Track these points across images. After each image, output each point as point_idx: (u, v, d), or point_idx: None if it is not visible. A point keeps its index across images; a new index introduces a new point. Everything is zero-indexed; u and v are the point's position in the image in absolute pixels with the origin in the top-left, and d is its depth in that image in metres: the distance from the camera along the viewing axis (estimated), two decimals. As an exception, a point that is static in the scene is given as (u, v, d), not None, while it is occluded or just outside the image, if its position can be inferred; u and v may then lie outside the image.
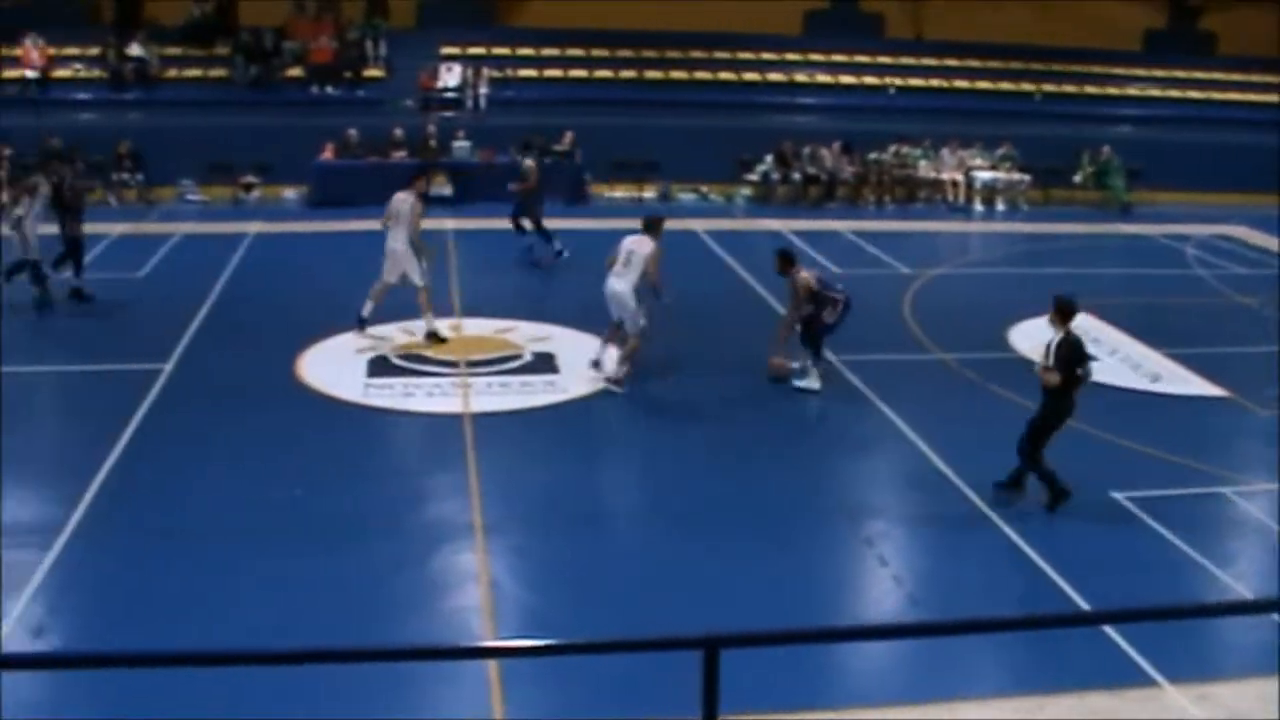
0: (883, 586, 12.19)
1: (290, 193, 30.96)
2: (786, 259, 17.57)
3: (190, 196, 30.68)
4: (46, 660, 8.96)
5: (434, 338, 19.03)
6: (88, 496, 13.64)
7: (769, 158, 32.59)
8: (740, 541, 12.75)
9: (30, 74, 33.14)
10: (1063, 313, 13.34)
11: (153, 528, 13.05)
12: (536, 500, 13.84)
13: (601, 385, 17.19)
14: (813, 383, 17.29)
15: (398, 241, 19.25)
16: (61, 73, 33.90)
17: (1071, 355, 13.24)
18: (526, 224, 25.21)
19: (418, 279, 19.08)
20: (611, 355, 17.56)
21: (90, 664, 5.98)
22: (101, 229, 26.51)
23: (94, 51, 34.37)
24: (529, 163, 26.23)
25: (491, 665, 10.19)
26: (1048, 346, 13.28)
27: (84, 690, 9.76)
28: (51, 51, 33.72)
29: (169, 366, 17.87)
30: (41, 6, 35.38)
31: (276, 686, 9.44)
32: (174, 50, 34.64)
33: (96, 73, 34.05)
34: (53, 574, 12.02)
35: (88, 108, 33.06)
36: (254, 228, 26.94)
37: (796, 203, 32.04)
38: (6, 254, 20.87)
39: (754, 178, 32.75)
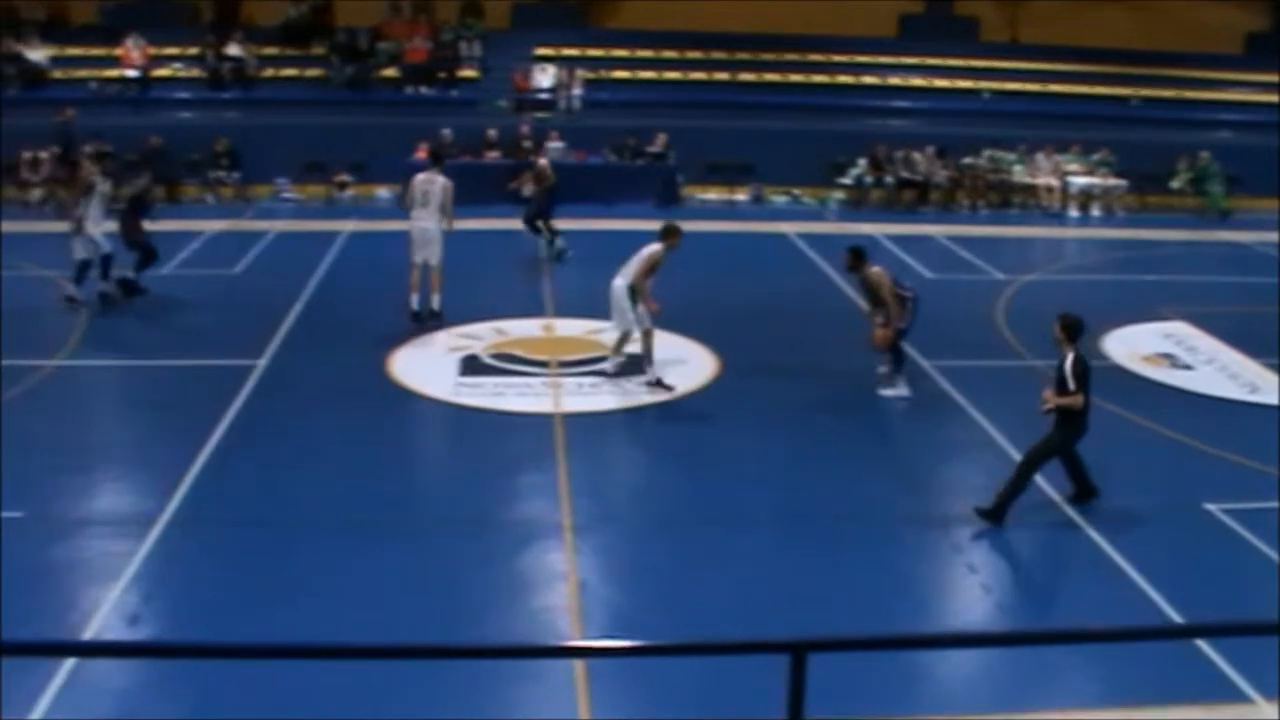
0: (970, 594, 12.13)
1: (384, 192, 31.18)
2: (858, 255, 17.38)
3: (285, 194, 31.02)
4: (139, 649, 9.16)
5: (435, 315, 19.92)
6: (182, 489, 13.86)
7: (862, 161, 32.44)
8: (827, 545, 12.74)
9: (131, 73, 33.65)
10: (1069, 331, 13.11)
11: (244, 520, 13.25)
12: (625, 501, 13.91)
13: (662, 392, 17.27)
14: (901, 390, 17.22)
15: (429, 222, 19.98)
16: (161, 72, 34.39)
17: (1085, 373, 12.96)
18: (541, 225, 25.52)
19: (435, 260, 20.01)
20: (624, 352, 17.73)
21: (181, 654, 6.11)
22: (198, 226, 26.95)
23: (193, 51, 34.85)
24: (543, 161, 26.37)
25: (578, 665, 10.25)
26: (1060, 369, 12.97)
27: (175, 678, 9.95)
28: (152, 51, 34.21)
29: (263, 362, 18.10)
30: (143, 7, 35.94)
31: (362, 681, 9.56)
32: (271, 50, 35.05)
33: (195, 72, 34.52)
34: (147, 564, 12.24)
35: (187, 107, 33.51)
36: (348, 226, 27.21)
37: (890, 207, 31.88)
38: (78, 254, 21.15)
39: (847, 181, 32.61)
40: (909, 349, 17.67)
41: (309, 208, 30.16)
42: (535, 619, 11.42)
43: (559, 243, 25.41)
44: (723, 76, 35.74)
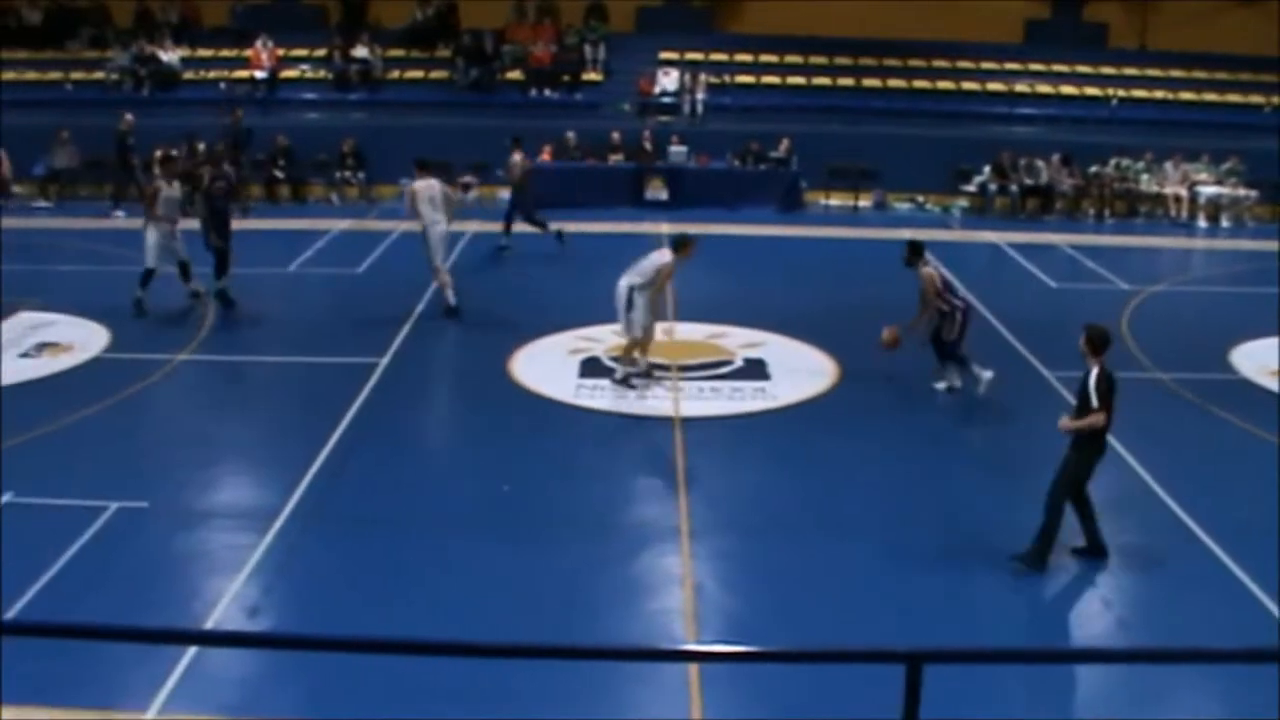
0: (1091, 609, 11.97)
1: (507, 193, 31.32)
2: (916, 250, 17.37)
3: (412, 194, 31.31)
4: (258, 639, 9.27)
5: (452, 313, 20.69)
6: (304, 483, 14.06)
7: (987, 168, 32.12)
8: (944, 555, 12.60)
9: (260, 75, 34.18)
10: (1094, 344, 12.38)
11: (364, 516, 13.41)
12: (744, 506, 13.87)
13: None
14: (985, 374, 17.25)
15: (441, 225, 21.00)
16: (289, 73, 34.90)
17: (1110, 390, 12.26)
18: (536, 222, 25.98)
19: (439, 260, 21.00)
20: (640, 360, 17.77)
21: (298, 646, 6.20)
22: (323, 225, 27.31)
23: (321, 53, 35.34)
24: (516, 158, 26.53)
25: (692, 669, 10.24)
26: (1084, 385, 12.24)
27: (293, 670, 10.08)
28: (280, 53, 34.75)
29: (385, 360, 18.29)
30: (272, 9, 36.50)
31: (477, 679, 9.62)
32: (397, 52, 35.45)
33: (323, 74, 34.98)
34: (268, 557, 12.42)
35: (313, 108, 33.98)
36: (471, 226, 27.39)
37: (1014, 215, 31.54)
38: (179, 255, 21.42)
39: (971, 188, 32.32)
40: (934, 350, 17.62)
41: (433, 208, 30.38)
42: (650, 622, 11.44)
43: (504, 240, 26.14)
44: (847, 82, 35.56)
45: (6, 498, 13.65)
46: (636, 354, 17.62)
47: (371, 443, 15.41)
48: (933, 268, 17.39)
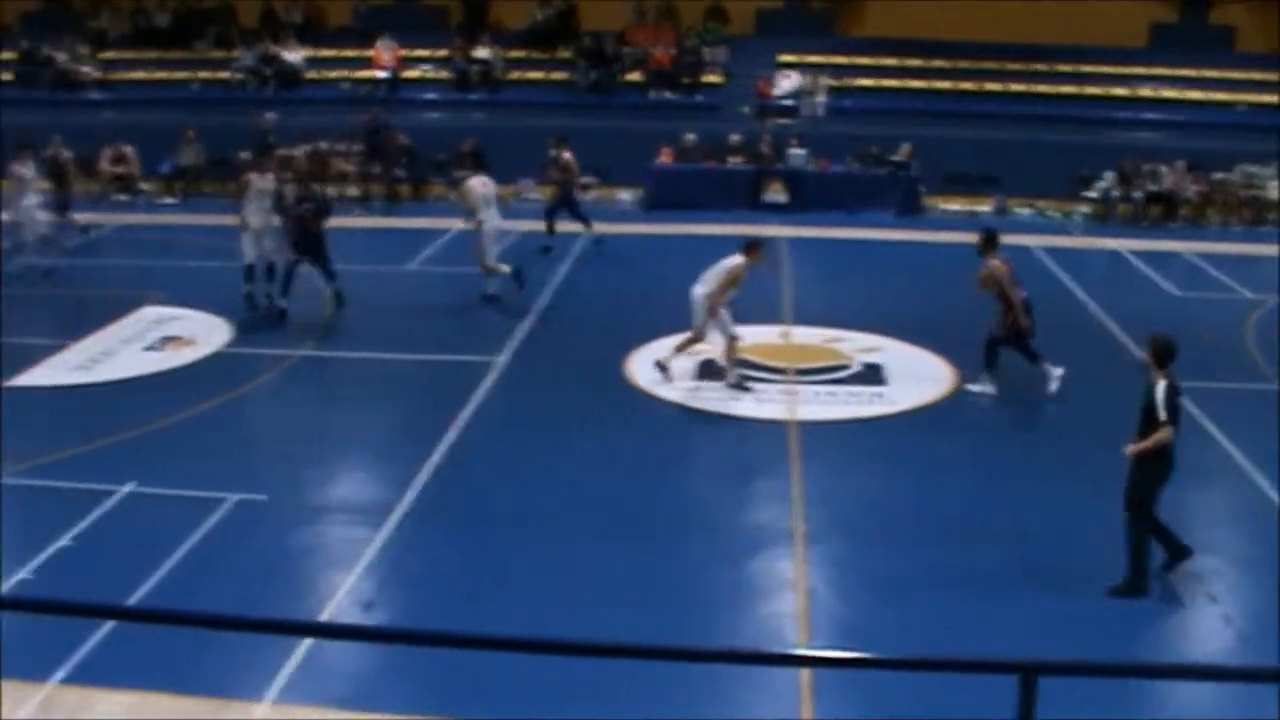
0: (1210, 624, 11.73)
1: (626, 195, 31.45)
2: (991, 241, 17.35)
3: (528, 195, 31.45)
4: (372, 633, 9.34)
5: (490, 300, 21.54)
6: (420, 479, 14.20)
7: (1109, 174, 31.64)
8: (1063, 567, 12.43)
9: (381, 75, 34.51)
10: (1159, 355, 11.87)
11: (479, 513, 13.50)
12: (858, 511, 13.78)
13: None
14: (987, 387, 17.23)
15: (494, 220, 21.81)
16: (410, 73, 35.21)
17: (1178, 403, 11.77)
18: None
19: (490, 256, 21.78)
20: (680, 362, 17.83)
21: (412, 640, 6.24)
22: (443, 224, 27.48)
23: (442, 54, 35.61)
24: (567, 155, 26.58)
25: (803, 674, 10.20)
26: (1150, 398, 11.75)
27: (405, 665, 10.18)
28: (402, 53, 35.07)
29: (502, 359, 18.40)
30: (395, 10, 36.84)
31: (587, 678, 9.64)
32: (518, 53, 35.63)
33: (444, 74, 35.25)
34: (384, 552, 12.56)
35: (434, 108, 34.24)
36: (597, 228, 27.46)
37: (1137, 222, 31.03)
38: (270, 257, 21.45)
39: (1093, 195, 31.85)
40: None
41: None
42: (762, 625, 11.40)
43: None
44: (968, 86, 35.20)
45: (129, 487, 13.91)
46: (737, 357, 17.61)
47: (487, 440, 15.51)
48: (1001, 261, 17.22)
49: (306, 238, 20.49)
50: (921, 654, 6.34)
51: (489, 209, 21.79)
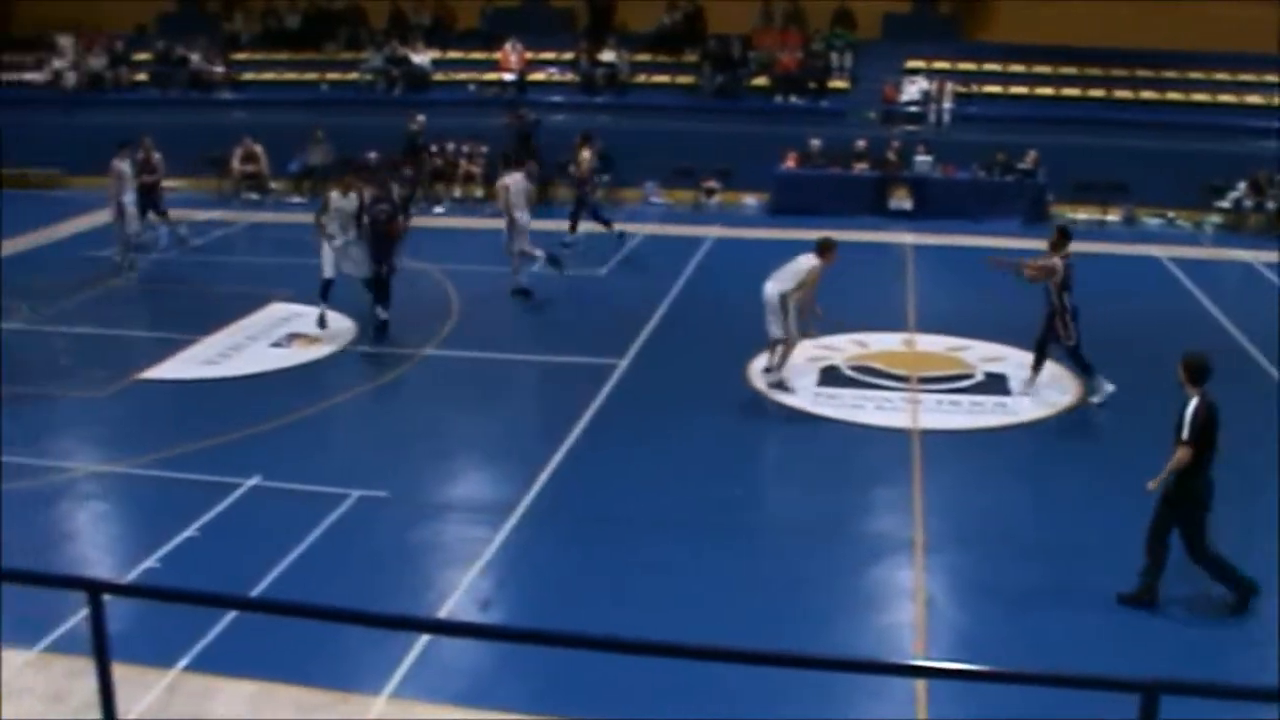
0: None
1: (750, 199, 31.37)
2: (1065, 236, 17.42)
3: (654, 199, 31.51)
4: (490, 632, 9.39)
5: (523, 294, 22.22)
6: (540, 480, 14.27)
7: (1242, 184, 31.00)
8: (1189, 586, 12.20)
9: (508, 77, 34.72)
10: (1191, 373, 11.46)
11: (598, 515, 13.54)
12: (979, 522, 13.61)
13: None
14: (1105, 388, 17.21)
15: (527, 215, 22.29)
16: (537, 76, 35.38)
17: (1211, 423, 11.26)
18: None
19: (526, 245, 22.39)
20: (800, 372, 17.89)
21: (528, 639, 6.26)
22: (568, 226, 27.55)
23: (568, 56, 35.75)
24: (585, 154, 26.78)
25: (919, 685, 10.11)
26: (1180, 417, 11.33)
27: (521, 664, 10.25)
28: (529, 56, 35.25)
29: (625, 362, 18.44)
30: (522, 13, 37.05)
31: (703, 681, 9.62)
32: (644, 57, 35.66)
33: (570, 77, 35.39)
34: (502, 551, 12.64)
35: (560, 110, 34.35)
36: (714, 232, 27.45)
37: (1269, 233, 30.39)
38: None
39: (1225, 205, 31.23)
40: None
41: (676, 212, 30.54)
42: (880, 634, 11.31)
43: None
44: (1097, 93, 34.67)
45: (254, 481, 14.12)
46: (780, 359, 17.71)
47: (608, 443, 15.54)
48: (1064, 262, 17.07)
49: (379, 242, 20.10)
50: (1039, 669, 6.24)
51: (524, 205, 22.33)
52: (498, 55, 35.11)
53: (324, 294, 20.26)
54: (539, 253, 22.34)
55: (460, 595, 11.74)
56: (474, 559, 12.41)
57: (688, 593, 11.83)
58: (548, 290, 22.65)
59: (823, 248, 17.58)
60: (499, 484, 14.53)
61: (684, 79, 35.12)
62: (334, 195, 20.46)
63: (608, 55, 34.98)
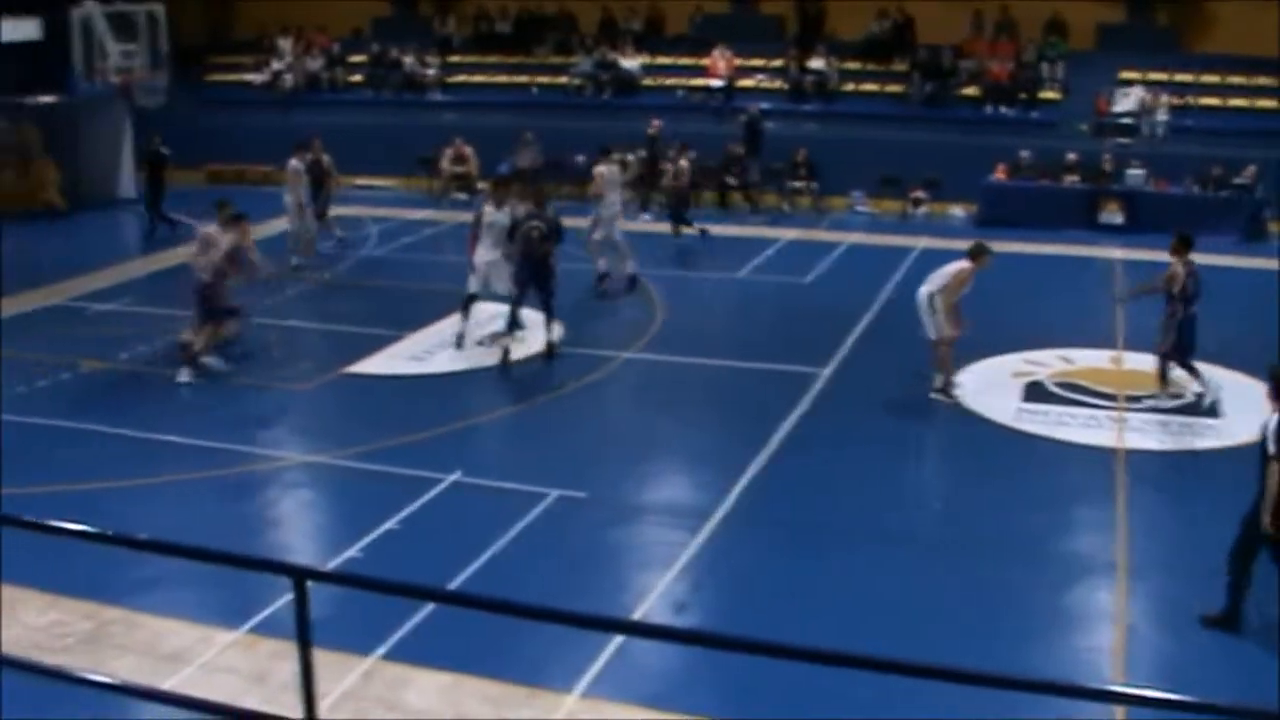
0: None
1: (958, 210, 30.99)
2: (1186, 243, 17.14)
3: (859, 208, 31.33)
4: (684, 635, 9.37)
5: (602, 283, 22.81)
6: (738, 486, 14.24)
7: None
8: None
9: (716, 83, 34.76)
10: (1276, 386, 10.83)
11: (793, 524, 13.46)
12: (1186, 547, 13.20)
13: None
14: (1204, 388, 17.28)
15: (617, 205, 23.27)
16: (745, 83, 35.35)
17: None
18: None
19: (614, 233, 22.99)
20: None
21: (722, 645, 6.25)
22: (774, 233, 27.60)
23: (777, 63, 35.66)
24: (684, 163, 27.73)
25: (1118, 711, 9.86)
26: (1263, 429, 10.76)
27: (712, 669, 10.22)
28: (738, 63, 35.25)
29: (827, 371, 18.33)
30: (731, 19, 37.07)
31: (891, 693, 9.49)
32: (853, 65, 35.42)
33: (778, 84, 35.29)
34: (699, 556, 12.62)
35: (767, 117, 34.25)
36: (920, 243, 27.18)
37: None
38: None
39: None
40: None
41: (882, 222, 30.32)
42: (1075, 656, 11.06)
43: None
44: (1323, 107, 33.59)
45: (455, 476, 14.33)
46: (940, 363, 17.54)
47: (808, 452, 15.45)
48: (1187, 271, 16.94)
49: (530, 262, 18.82)
50: (1245, 701, 6.02)
51: (614, 194, 23.23)
52: (706, 61, 35.18)
53: (465, 310, 19.73)
54: (602, 265, 22.96)
55: (655, 598, 11.76)
56: (670, 562, 12.43)
57: (883, 604, 11.69)
58: (752, 297, 22.64)
59: (975, 252, 17.39)
60: (697, 488, 14.54)
61: (893, 88, 34.83)
62: (487, 209, 19.85)
63: (816, 63, 34.83)
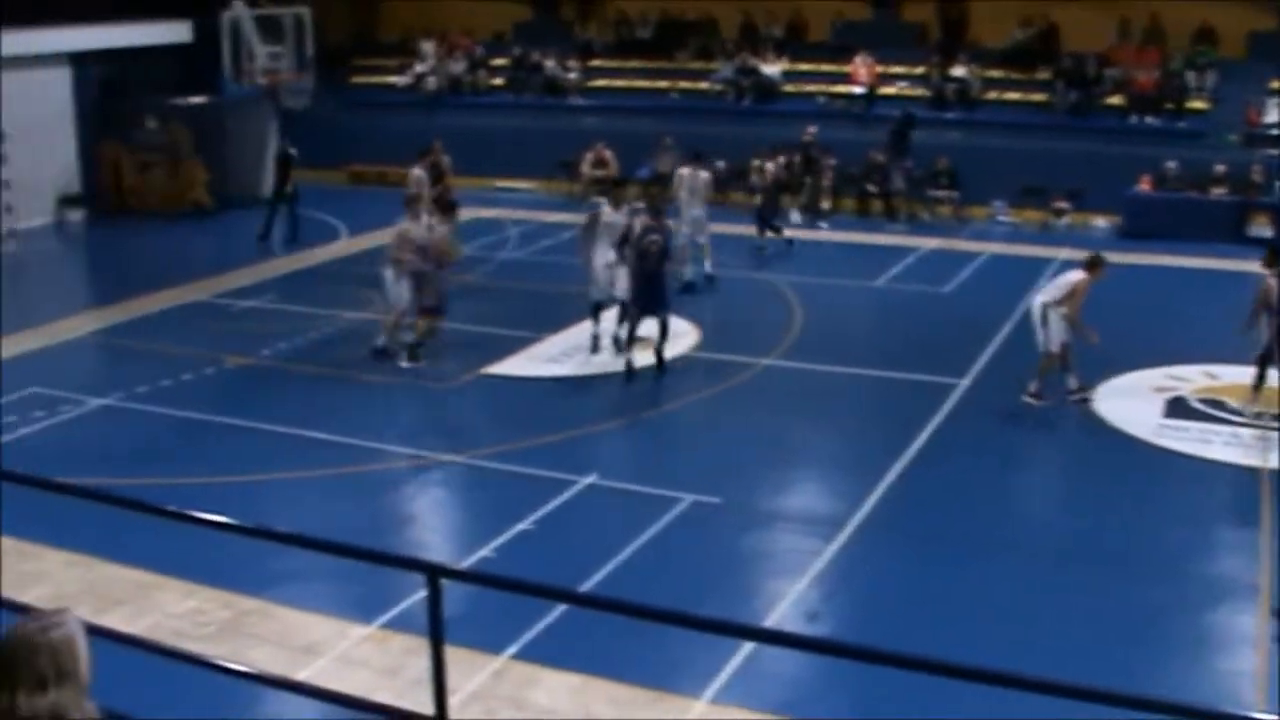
0: None
1: (1101, 221, 30.47)
2: (1275, 254, 17.30)
3: (1001, 217, 30.95)
4: (815, 644, 9.31)
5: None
6: (873, 496, 14.16)
7: None
8: None
9: (857, 90, 34.57)
10: None
11: (930, 535, 13.37)
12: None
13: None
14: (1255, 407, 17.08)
15: (696, 209, 23.65)
16: (886, 90, 35.11)
17: None
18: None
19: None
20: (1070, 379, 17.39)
21: (854, 655, 6.22)
22: (913, 242, 27.38)
23: (919, 71, 35.36)
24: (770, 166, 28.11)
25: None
26: None
27: (841, 678, 10.13)
28: (879, 69, 35.01)
29: (965, 381, 18.14)
30: (873, 26, 36.84)
31: (1024, 710, 9.35)
32: (995, 72, 35.02)
33: (919, 91, 35.00)
34: (832, 564, 12.57)
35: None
36: (1061, 253, 26.73)
37: None
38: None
39: None
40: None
41: (1023, 232, 29.89)
42: (1213, 680, 10.82)
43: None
44: None
45: (590, 479, 14.40)
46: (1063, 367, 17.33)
47: (944, 463, 15.30)
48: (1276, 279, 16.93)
49: (645, 280, 18.21)
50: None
51: (693, 198, 23.78)
52: (847, 68, 34.98)
53: (595, 315, 19.33)
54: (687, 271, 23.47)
55: (787, 605, 11.73)
56: (803, 570, 12.39)
57: (1016, 619, 11.56)
58: (891, 307, 22.50)
59: (1091, 263, 17.23)
60: (833, 496, 14.49)
61: (1036, 96, 34.35)
62: (605, 209, 19.56)
63: (959, 70, 34.50)
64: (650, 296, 18.31)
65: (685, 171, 24.05)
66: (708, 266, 23.69)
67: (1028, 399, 17.21)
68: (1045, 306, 17.05)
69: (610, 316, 19.35)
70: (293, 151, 28.86)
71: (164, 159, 32.70)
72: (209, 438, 16.24)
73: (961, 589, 12.18)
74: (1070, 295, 16.95)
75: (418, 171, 25.27)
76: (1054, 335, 17.02)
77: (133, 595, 11.91)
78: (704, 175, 24.33)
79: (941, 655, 5.37)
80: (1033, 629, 11.32)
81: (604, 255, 19.03)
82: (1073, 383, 17.29)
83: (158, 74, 34.51)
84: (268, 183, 31.08)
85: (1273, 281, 16.78)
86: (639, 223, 18.54)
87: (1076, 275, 17.13)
